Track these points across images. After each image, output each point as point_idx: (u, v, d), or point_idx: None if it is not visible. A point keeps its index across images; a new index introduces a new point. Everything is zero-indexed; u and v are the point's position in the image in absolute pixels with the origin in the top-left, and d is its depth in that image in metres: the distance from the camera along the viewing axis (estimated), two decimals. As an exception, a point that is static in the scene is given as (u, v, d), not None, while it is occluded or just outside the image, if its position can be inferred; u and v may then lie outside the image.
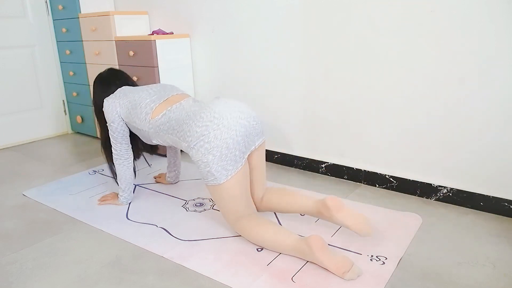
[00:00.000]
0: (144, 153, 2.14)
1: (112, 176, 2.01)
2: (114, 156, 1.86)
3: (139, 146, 1.99)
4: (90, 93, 3.05)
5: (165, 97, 1.74)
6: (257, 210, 1.72)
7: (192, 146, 1.50)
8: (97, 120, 1.96)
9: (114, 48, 2.72)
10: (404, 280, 1.33)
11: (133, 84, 2.00)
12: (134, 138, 1.91)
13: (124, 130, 1.82)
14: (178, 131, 1.58)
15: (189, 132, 1.52)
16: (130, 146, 1.88)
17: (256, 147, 1.60)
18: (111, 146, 1.88)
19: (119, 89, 1.88)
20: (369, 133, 2.05)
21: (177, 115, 1.61)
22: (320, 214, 1.56)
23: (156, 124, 1.66)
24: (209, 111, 1.52)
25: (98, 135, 3.15)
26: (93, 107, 1.97)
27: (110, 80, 1.94)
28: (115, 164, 1.87)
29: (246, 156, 1.53)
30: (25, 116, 3.15)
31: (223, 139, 1.45)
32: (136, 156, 1.98)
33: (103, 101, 1.84)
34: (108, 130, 1.87)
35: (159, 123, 1.65)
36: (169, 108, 1.66)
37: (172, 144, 1.65)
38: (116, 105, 1.79)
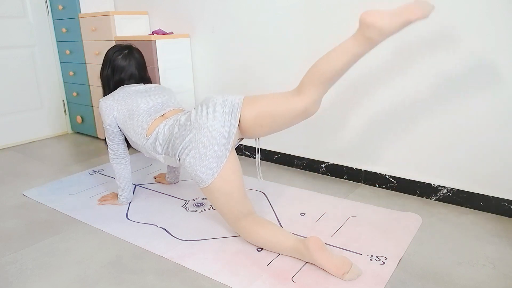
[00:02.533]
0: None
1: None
2: (110, 156, 1.86)
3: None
4: (90, 93, 3.06)
5: (161, 112, 1.75)
6: None
7: (177, 157, 1.56)
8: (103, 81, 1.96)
9: (114, 48, 2.72)
10: (404, 280, 1.33)
11: (136, 78, 1.94)
12: None
13: (120, 132, 1.84)
14: (170, 148, 1.61)
15: (173, 146, 1.58)
16: (126, 145, 1.89)
17: (238, 121, 1.51)
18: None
19: (118, 88, 1.87)
20: (369, 133, 2.05)
21: (169, 129, 1.62)
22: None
23: (150, 141, 1.68)
24: (184, 120, 1.57)
25: (99, 135, 3.15)
26: (100, 74, 1.94)
27: (122, 69, 1.89)
28: (112, 164, 1.87)
29: (229, 147, 1.49)
30: (25, 116, 3.15)
31: (197, 139, 1.48)
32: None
33: (99, 101, 1.84)
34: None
35: (152, 140, 1.67)
36: (164, 122, 1.67)
37: (167, 162, 1.69)
38: (114, 108, 1.79)
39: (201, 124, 1.49)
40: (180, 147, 1.54)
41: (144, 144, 1.70)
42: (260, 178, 1.70)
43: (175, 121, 1.62)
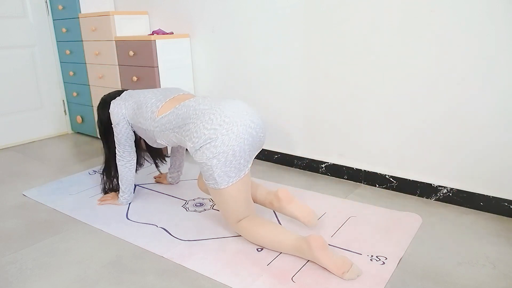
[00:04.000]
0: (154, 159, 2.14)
1: (103, 190, 2.03)
2: (117, 157, 1.86)
3: (142, 154, 2.01)
4: (90, 93, 3.06)
5: (171, 96, 1.74)
6: None
7: (198, 148, 1.47)
8: (102, 140, 1.95)
9: (114, 48, 2.72)
10: (404, 280, 1.33)
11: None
12: (139, 148, 1.94)
13: (128, 133, 1.82)
14: (184, 130, 1.55)
15: (196, 133, 1.49)
16: (134, 149, 1.88)
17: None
18: (113, 166, 1.92)
19: (125, 92, 1.90)
20: (369, 133, 2.05)
21: (184, 112, 1.58)
22: (271, 205, 1.67)
23: (161, 122, 1.64)
24: (220, 113, 1.48)
25: (99, 135, 3.15)
26: (98, 128, 1.95)
27: (111, 97, 1.92)
28: (117, 165, 1.87)
29: (249, 165, 1.53)
30: (25, 116, 3.15)
31: (230, 145, 1.44)
32: (139, 163, 1.98)
33: (109, 105, 1.85)
34: (112, 150, 1.90)
35: (165, 121, 1.63)
36: (177, 106, 1.63)
37: (177, 142, 1.64)
38: (122, 106, 1.80)
39: (240, 133, 1.45)
40: (203, 141, 1.45)
41: (154, 127, 1.67)
42: None
43: (197, 105, 1.56)
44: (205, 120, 1.48)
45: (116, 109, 1.80)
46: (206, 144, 1.45)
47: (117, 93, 1.95)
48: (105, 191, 2.03)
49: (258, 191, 1.72)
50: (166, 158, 2.18)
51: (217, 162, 1.44)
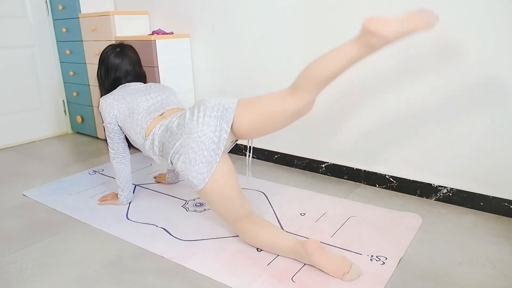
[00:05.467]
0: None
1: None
2: (111, 155, 1.86)
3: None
4: (90, 93, 3.06)
5: (161, 111, 1.74)
6: None
7: (170, 161, 1.55)
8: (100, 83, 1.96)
9: (114, 48, 2.72)
10: (404, 280, 1.33)
11: (132, 74, 1.93)
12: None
13: (120, 131, 1.83)
14: (163, 151, 1.60)
15: (166, 150, 1.57)
16: (127, 144, 1.88)
17: (230, 125, 1.48)
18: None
19: (118, 87, 1.87)
20: (369, 133, 2.05)
21: (163, 130, 1.61)
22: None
23: (147, 142, 1.67)
24: (177, 124, 1.54)
25: (99, 135, 3.15)
26: (97, 74, 1.94)
27: (116, 67, 1.89)
28: (112, 164, 1.87)
29: (220, 152, 1.45)
30: (25, 116, 3.15)
31: (186, 144, 1.46)
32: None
33: (99, 100, 1.84)
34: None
35: (150, 142, 1.66)
36: (160, 123, 1.66)
37: (165, 165, 1.68)
38: (114, 107, 1.79)
39: (191, 128, 1.47)
40: (172, 152, 1.52)
41: (143, 144, 1.70)
42: (249, 176, 1.67)
43: (169, 123, 1.60)
44: (170, 136, 1.55)
45: (108, 108, 1.79)
46: (172, 154, 1.52)
47: (120, 77, 1.90)
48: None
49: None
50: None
51: (184, 165, 1.47)
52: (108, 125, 1.80)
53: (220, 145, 1.46)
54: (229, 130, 1.47)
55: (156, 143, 1.63)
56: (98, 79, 1.95)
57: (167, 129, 1.59)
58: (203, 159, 1.44)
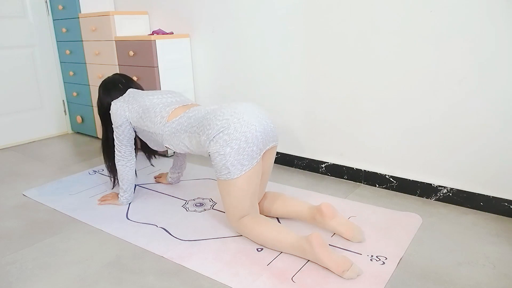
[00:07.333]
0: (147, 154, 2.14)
1: (109, 175, 2.02)
2: (117, 157, 1.86)
3: (136, 151, 2.00)
4: (90, 93, 3.06)
5: (183, 103, 1.77)
6: None
7: (211, 138, 1.51)
8: (101, 120, 1.96)
9: (114, 48, 2.72)
10: (404, 280, 1.33)
11: (137, 87, 2.00)
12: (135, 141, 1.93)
13: (130, 134, 1.83)
14: (197, 127, 1.58)
15: (209, 125, 1.53)
16: (134, 148, 1.88)
17: (269, 148, 1.61)
18: (112, 146, 1.90)
19: (127, 91, 1.89)
20: (369, 133, 2.05)
21: (195, 114, 1.63)
22: (313, 220, 1.64)
23: (172, 125, 1.67)
24: (230, 107, 1.56)
25: (99, 135, 3.15)
26: (98, 109, 1.97)
27: (115, 82, 1.95)
28: (117, 165, 1.87)
29: (261, 154, 1.54)
30: (25, 116, 3.15)
31: (242, 132, 1.47)
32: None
33: (110, 103, 1.86)
34: (110, 131, 1.89)
35: (176, 124, 1.66)
36: (186, 111, 1.68)
37: (187, 145, 1.65)
38: (125, 109, 1.79)
39: (249, 120, 1.50)
40: (220, 129, 1.49)
41: (164, 131, 1.69)
42: None
43: (204, 108, 1.64)
44: (217, 114, 1.55)
45: (119, 111, 1.80)
46: (219, 133, 1.49)
47: (117, 83, 1.94)
48: (113, 174, 2.01)
49: (297, 204, 1.69)
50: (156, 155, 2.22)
51: (230, 150, 1.46)
52: (119, 126, 1.80)
53: (263, 148, 1.55)
54: (273, 144, 1.62)
55: (183, 120, 1.64)
56: (100, 115, 1.97)
57: (206, 110, 1.61)
58: (250, 153, 1.48)
